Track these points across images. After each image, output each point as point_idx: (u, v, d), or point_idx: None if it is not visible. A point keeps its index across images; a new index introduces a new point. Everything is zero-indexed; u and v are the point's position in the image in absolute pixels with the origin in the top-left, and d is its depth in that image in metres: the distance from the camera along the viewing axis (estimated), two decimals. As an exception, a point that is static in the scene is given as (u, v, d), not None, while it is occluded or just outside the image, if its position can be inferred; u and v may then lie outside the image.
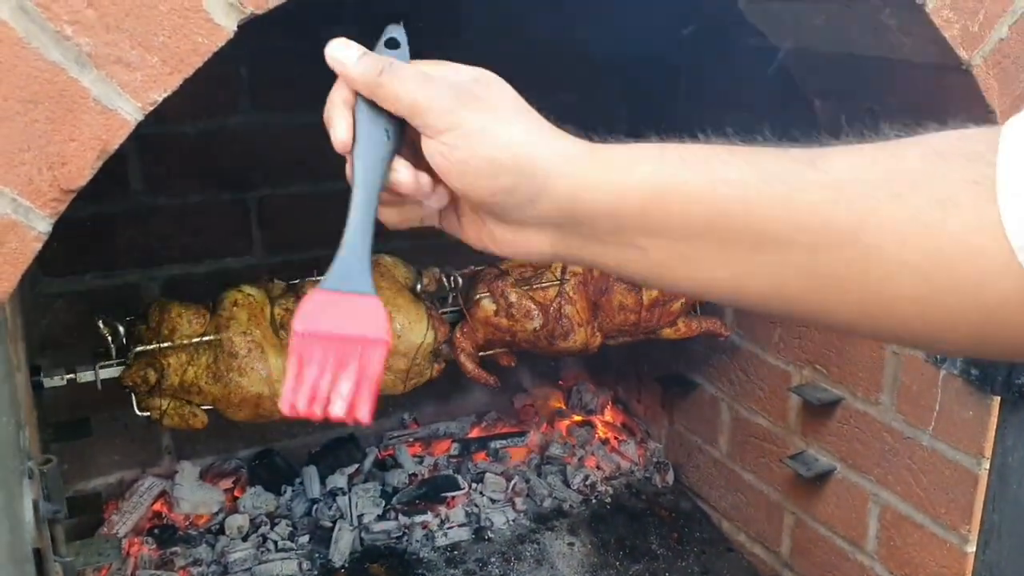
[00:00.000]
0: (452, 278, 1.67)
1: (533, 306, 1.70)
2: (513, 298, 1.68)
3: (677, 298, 1.84)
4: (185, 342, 1.47)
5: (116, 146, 0.85)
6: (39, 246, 0.84)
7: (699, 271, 0.71)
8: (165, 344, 1.46)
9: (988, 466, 1.39)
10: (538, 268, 1.73)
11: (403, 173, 0.73)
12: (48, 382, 1.42)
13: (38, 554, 0.82)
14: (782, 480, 1.82)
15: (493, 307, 1.69)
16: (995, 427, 1.37)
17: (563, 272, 1.73)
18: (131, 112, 0.84)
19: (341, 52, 0.73)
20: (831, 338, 1.66)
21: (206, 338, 1.48)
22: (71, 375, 1.43)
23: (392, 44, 0.77)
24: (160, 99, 0.85)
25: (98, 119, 0.83)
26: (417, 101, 0.71)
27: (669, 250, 0.70)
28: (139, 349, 1.45)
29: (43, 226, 0.84)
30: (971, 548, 1.43)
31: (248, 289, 1.52)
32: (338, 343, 0.70)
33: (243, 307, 1.50)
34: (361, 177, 0.75)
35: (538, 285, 1.72)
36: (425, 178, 0.74)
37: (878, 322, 0.68)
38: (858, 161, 0.67)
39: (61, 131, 0.82)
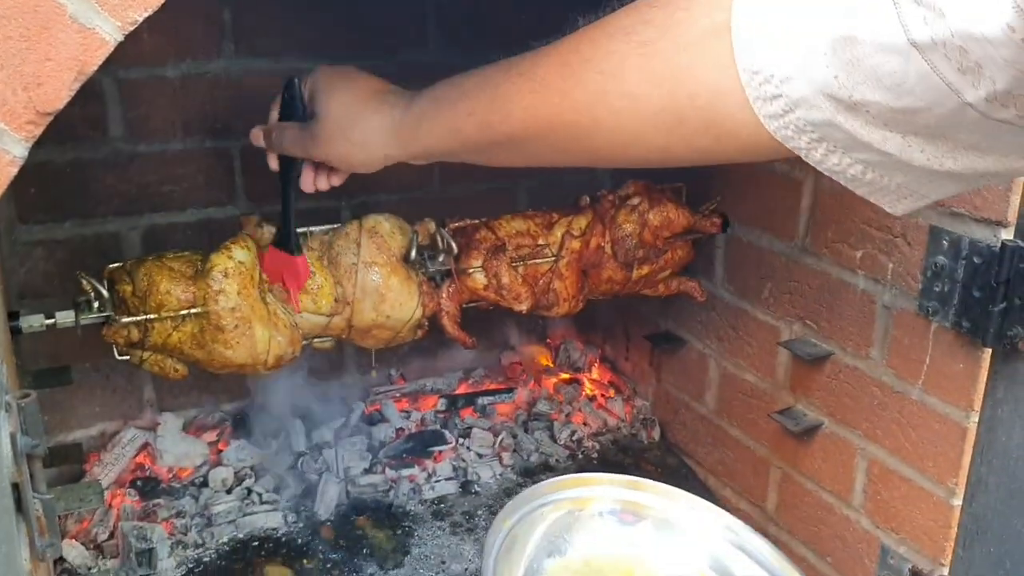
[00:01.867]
0: (445, 241, 1.65)
1: (524, 292, 1.70)
2: (505, 280, 1.68)
3: (665, 269, 1.83)
4: (171, 314, 1.44)
5: (94, 68, 0.81)
6: (14, 171, 0.81)
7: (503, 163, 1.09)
8: (152, 316, 1.44)
9: (977, 419, 1.38)
10: (536, 243, 1.72)
11: (305, 176, 1.40)
12: (27, 326, 1.39)
13: (16, 489, 0.80)
14: (769, 435, 1.81)
15: (484, 282, 1.68)
16: (985, 379, 1.37)
17: (560, 248, 1.72)
18: (110, 32, 0.80)
19: (255, 139, 1.43)
20: (822, 293, 1.65)
21: (194, 310, 1.46)
22: (50, 320, 1.40)
23: (289, 94, 1.35)
24: (140, 19, 0.81)
25: (75, 38, 0.79)
26: (298, 152, 1.35)
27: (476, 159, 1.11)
28: (126, 320, 1.42)
29: (18, 150, 0.81)
30: (958, 501, 1.43)
31: (238, 254, 1.47)
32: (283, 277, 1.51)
33: (232, 278, 1.46)
34: (284, 183, 1.43)
35: (532, 262, 1.70)
36: (322, 178, 1.40)
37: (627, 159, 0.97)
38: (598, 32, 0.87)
39: (36, 50, 0.78)
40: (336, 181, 1.39)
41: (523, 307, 1.72)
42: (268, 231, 1.54)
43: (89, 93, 1.71)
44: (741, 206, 1.83)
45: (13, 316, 1.36)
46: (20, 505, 0.81)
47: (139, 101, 1.77)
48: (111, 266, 1.46)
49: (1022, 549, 1.34)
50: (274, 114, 1.39)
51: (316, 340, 1.62)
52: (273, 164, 1.42)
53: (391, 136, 1.19)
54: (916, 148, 0.73)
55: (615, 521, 1.58)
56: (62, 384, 1.56)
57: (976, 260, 1.34)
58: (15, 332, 1.35)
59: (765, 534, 1.79)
